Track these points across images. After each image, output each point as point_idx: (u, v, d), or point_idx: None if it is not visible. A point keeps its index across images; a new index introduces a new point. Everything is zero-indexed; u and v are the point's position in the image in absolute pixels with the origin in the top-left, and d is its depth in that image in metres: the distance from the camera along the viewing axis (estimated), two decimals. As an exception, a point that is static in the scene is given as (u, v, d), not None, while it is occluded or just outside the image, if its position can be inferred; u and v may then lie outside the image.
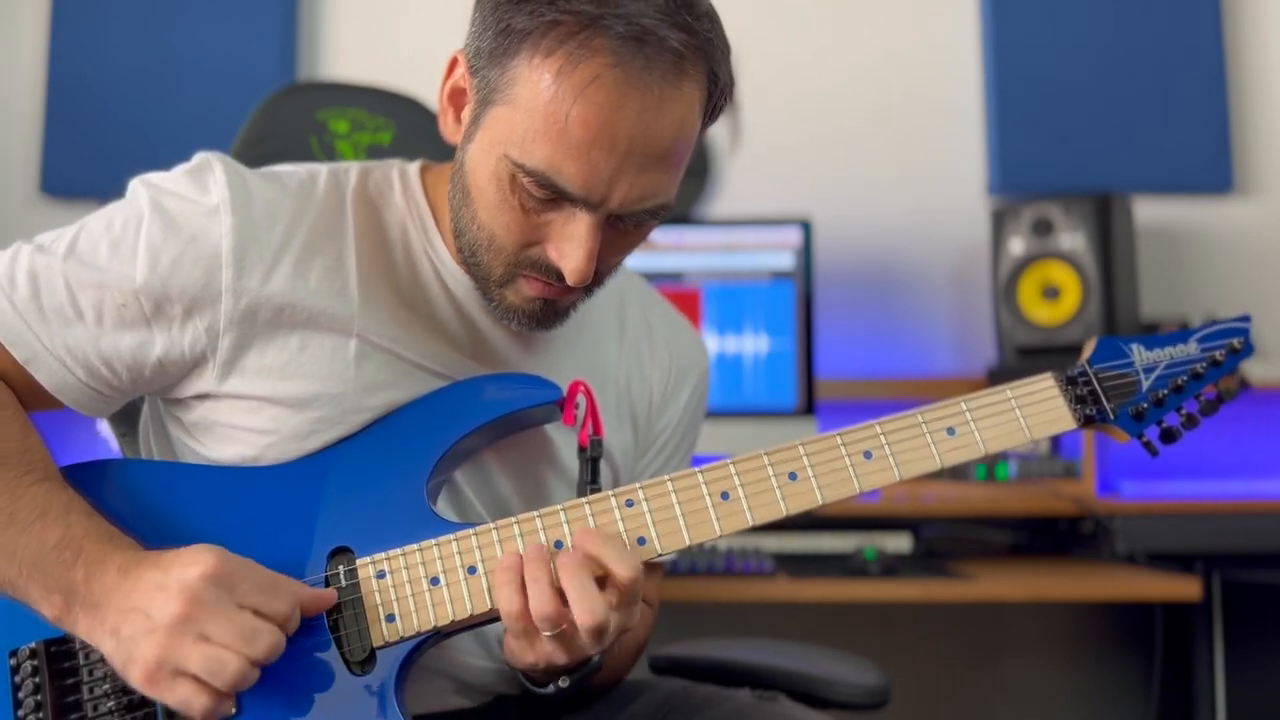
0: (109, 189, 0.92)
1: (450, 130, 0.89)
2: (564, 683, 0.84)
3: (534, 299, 0.87)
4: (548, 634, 0.77)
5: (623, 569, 0.77)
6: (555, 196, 0.80)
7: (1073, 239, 2.03)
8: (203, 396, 0.88)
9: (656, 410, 1.06)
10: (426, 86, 1.45)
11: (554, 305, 0.88)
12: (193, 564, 0.72)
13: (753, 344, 1.99)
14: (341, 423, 0.87)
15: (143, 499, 0.83)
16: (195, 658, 0.70)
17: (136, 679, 0.72)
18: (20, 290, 0.83)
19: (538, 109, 0.77)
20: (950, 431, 0.87)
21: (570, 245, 0.81)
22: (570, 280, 0.82)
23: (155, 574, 0.73)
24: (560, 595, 0.76)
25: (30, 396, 0.86)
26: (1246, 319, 0.93)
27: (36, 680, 0.77)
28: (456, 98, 0.88)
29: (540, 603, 0.76)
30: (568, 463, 0.97)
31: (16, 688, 0.78)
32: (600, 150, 0.77)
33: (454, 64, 0.87)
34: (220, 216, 0.85)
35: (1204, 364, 0.90)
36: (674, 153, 0.81)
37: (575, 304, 0.90)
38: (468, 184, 0.85)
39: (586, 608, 0.75)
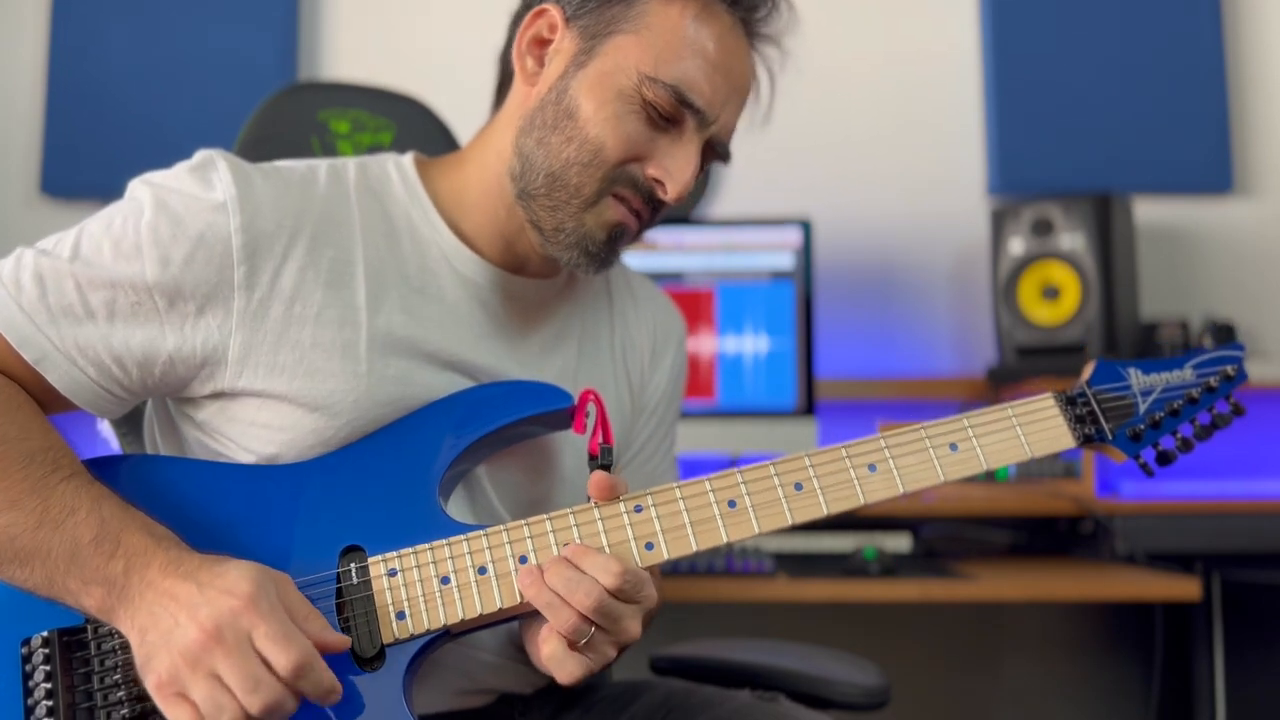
0: (109, 189, 0.92)
1: (529, 73, 0.96)
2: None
3: (613, 224, 0.93)
4: (583, 643, 0.79)
5: (606, 578, 0.79)
6: (677, 113, 0.91)
7: (1073, 239, 2.03)
8: (217, 395, 0.88)
9: (648, 373, 1.11)
10: (427, 86, 1.46)
11: (619, 240, 0.95)
12: (227, 594, 0.72)
13: (753, 344, 1.99)
14: (357, 417, 0.88)
15: (156, 494, 0.83)
16: (199, 692, 0.71)
17: (148, 685, 0.73)
18: (27, 292, 0.83)
19: (676, 35, 0.91)
20: (953, 447, 0.89)
21: (677, 162, 0.92)
22: (671, 191, 0.92)
23: (191, 589, 0.73)
24: (577, 613, 0.78)
25: (43, 400, 0.85)
26: (1240, 347, 0.96)
27: (48, 669, 0.77)
28: (539, 45, 0.96)
29: (562, 622, 0.78)
30: (582, 464, 0.97)
31: (27, 676, 0.78)
32: (721, 77, 0.92)
33: (539, 15, 0.95)
34: (228, 213, 0.85)
35: (1199, 389, 0.93)
36: (746, 104, 0.98)
37: (631, 242, 0.97)
38: (572, 106, 0.91)
39: (581, 592, 0.78)
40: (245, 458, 0.88)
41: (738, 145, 0.99)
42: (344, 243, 0.91)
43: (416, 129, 1.29)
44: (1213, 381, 0.93)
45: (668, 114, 0.91)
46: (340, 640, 0.76)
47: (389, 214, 0.95)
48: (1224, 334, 2.07)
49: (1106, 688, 2.19)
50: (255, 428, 0.88)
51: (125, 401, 0.88)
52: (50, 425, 0.84)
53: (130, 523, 0.77)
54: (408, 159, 1.00)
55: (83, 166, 2.27)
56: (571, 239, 0.93)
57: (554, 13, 0.94)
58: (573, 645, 0.79)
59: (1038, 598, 1.80)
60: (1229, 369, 0.94)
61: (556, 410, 0.91)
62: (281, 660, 0.71)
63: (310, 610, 0.76)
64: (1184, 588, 1.60)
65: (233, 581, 0.73)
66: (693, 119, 0.92)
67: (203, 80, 2.29)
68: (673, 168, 0.92)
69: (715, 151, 0.96)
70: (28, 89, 2.33)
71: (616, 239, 0.94)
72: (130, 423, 1.12)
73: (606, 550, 0.83)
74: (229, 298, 0.85)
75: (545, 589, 0.79)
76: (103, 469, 0.85)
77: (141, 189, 0.87)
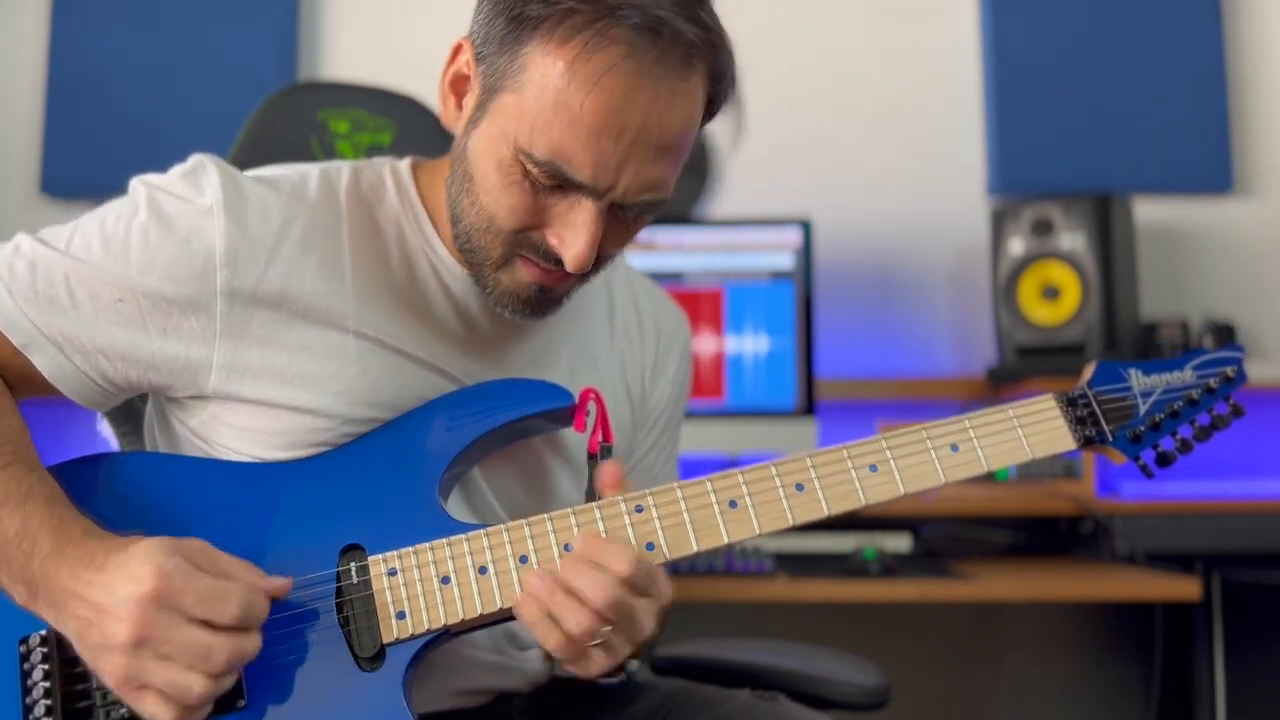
0: (109, 189, 0.92)
1: (451, 117, 0.89)
2: (634, 665, 0.87)
3: (529, 284, 0.87)
4: (594, 645, 0.78)
5: (620, 564, 0.78)
6: (562, 183, 0.81)
7: (1073, 239, 2.03)
8: (205, 399, 0.88)
9: (649, 383, 1.08)
10: (427, 86, 1.45)
11: (548, 292, 0.88)
12: (135, 580, 0.71)
13: (753, 344, 1.99)
14: (349, 420, 0.87)
15: (152, 493, 0.84)
16: (158, 678, 0.71)
17: (110, 685, 0.74)
18: (20, 278, 0.84)
19: (548, 96, 0.78)
20: (954, 448, 0.89)
21: (572, 232, 0.82)
22: (570, 267, 0.83)
23: (102, 584, 0.73)
24: (592, 611, 0.78)
25: (25, 384, 0.86)
26: (1240, 349, 0.96)
27: (45, 668, 0.78)
28: (459, 85, 0.88)
29: (576, 623, 0.77)
30: (581, 464, 0.97)
31: (26, 675, 0.78)
32: (609, 138, 0.78)
33: (458, 50, 0.87)
34: (214, 217, 0.85)
35: (1199, 390, 0.93)
36: (678, 145, 0.83)
37: (569, 291, 0.91)
38: (470, 169, 0.85)
39: (598, 589, 0.77)
40: (241, 461, 0.88)
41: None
42: (331, 249, 0.90)
43: (416, 129, 1.29)
44: (1213, 383, 0.93)
45: (552, 184, 0.81)
46: (280, 583, 0.77)
47: (378, 222, 0.93)
48: (1224, 334, 2.07)
49: (1106, 688, 2.19)
50: (249, 432, 0.87)
51: (110, 394, 0.88)
52: (6, 410, 0.83)
53: (50, 521, 0.76)
54: (405, 165, 0.98)
55: (83, 166, 2.27)
56: (494, 295, 0.88)
57: (468, 50, 0.86)
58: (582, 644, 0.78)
59: (1038, 598, 1.80)
60: (1229, 370, 0.94)
61: (556, 408, 0.91)
62: (224, 615, 0.72)
63: (235, 562, 0.76)
64: (1184, 588, 1.60)
65: (136, 567, 0.72)
66: (578, 190, 0.81)
67: (203, 80, 2.29)
68: (567, 237, 0.82)
69: (638, 206, 0.84)
70: (28, 89, 2.33)
71: (541, 293, 0.88)
72: (130, 422, 1.12)
73: None
74: (211, 302, 0.85)
75: (559, 592, 0.78)
76: (95, 467, 0.85)
77: (139, 189, 0.88)
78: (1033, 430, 0.90)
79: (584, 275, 0.88)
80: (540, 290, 0.88)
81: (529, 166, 0.80)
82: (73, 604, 0.74)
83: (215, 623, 0.72)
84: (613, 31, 0.76)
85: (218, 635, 0.72)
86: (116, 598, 0.72)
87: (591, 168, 0.79)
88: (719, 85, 0.85)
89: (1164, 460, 0.93)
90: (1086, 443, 0.91)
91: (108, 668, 0.73)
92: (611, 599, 0.77)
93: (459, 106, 0.88)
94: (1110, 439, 0.91)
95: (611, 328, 1.06)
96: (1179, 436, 0.93)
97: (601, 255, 0.86)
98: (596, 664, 0.80)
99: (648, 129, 0.79)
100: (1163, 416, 0.92)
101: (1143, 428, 0.92)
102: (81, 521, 0.78)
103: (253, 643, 0.74)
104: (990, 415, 0.90)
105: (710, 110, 0.87)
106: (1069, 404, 0.92)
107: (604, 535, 0.83)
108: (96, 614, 0.72)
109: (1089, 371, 0.94)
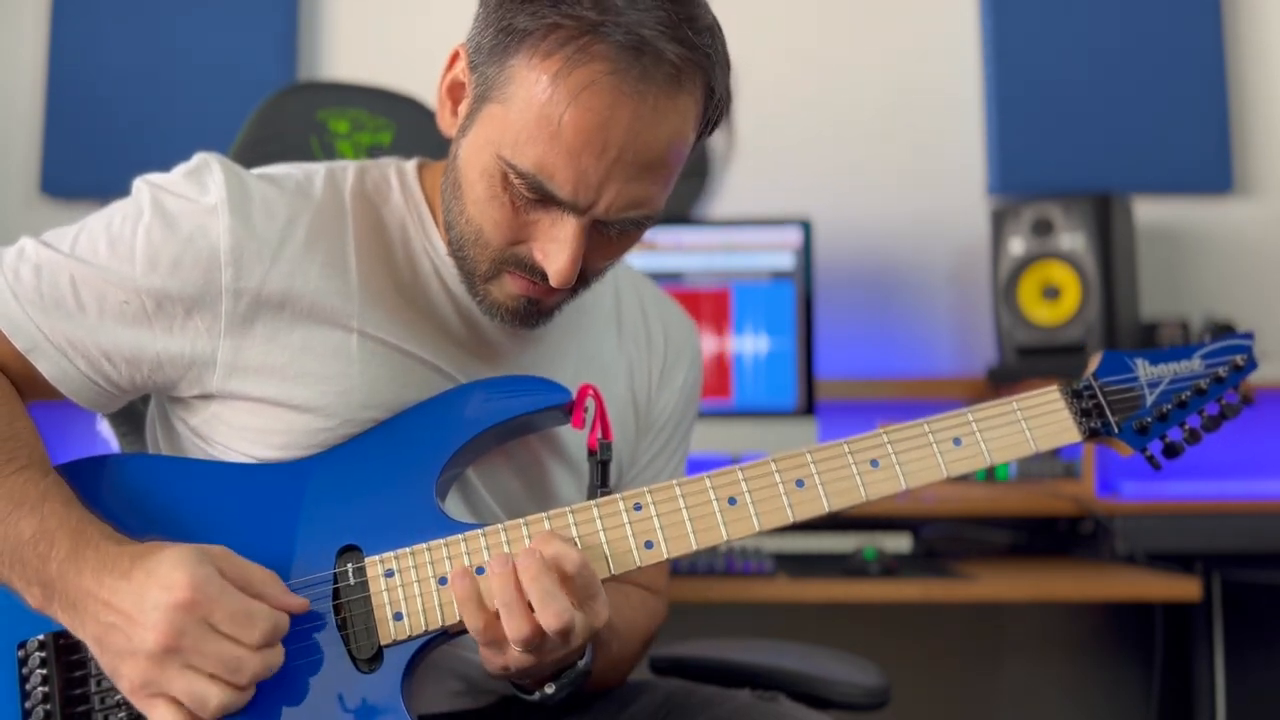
0: (109, 189, 0.93)
1: (447, 123, 0.89)
2: (550, 689, 0.85)
3: (518, 296, 0.87)
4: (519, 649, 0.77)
5: (568, 565, 0.78)
6: (543, 198, 0.80)
7: (1073, 239, 2.03)
8: (208, 397, 0.88)
9: (655, 392, 1.07)
10: (427, 86, 1.46)
11: (538, 304, 0.88)
12: (167, 588, 0.72)
13: (753, 344, 1.99)
14: (349, 420, 0.87)
15: (152, 494, 0.84)
16: (179, 686, 0.72)
17: (123, 690, 0.74)
18: (25, 282, 0.84)
19: (532, 110, 0.78)
20: (956, 441, 0.87)
21: (555, 247, 0.82)
22: (553, 282, 0.83)
23: (129, 591, 0.73)
24: (532, 614, 0.76)
25: (29, 386, 0.86)
26: (1250, 335, 0.94)
27: (44, 672, 0.78)
28: (455, 91, 0.88)
29: (516, 626, 0.76)
30: (578, 462, 0.97)
31: (24, 679, 0.78)
32: (590, 155, 0.78)
33: (455, 57, 0.87)
34: (218, 215, 0.85)
35: (1208, 380, 0.91)
36: (665, 163, 0.81)
37: (559, 304, 0.91)
38: (459, 178, 0.86)
39: (552, 611, 0.75)
40: (240, 461, 0.88)
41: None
42: (336, 248, 0.90)
43: (416, 129, 1.29)
44: (1222, 371, 0.91)
45: (534, 198, 0.81)
46: (299, 603, 0.77)
47: (383, 222, 0.93)
48: (1223, 334, 2.08)
49: (1106, 688, 2.19)
50: (249, 431, 0.88)
51: (114, 396, 0.89)
52: (20, 415, 0.84)
53: (68, 523, 0.77)
54: (411, 165, 0.98)
55: (83, 166, 2.27)
56: (484, 305, 0.89)
57: (464, 57, 0.86)
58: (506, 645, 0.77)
59: (1038, 598, 1.80)
60: (1238, 359, 0.92)
61: (554, 405, 0.90)
62: (251, 637, 0.73)
63: (260, 574, 0.77)
64: (1184, 588, 1.60)
65: (167, 574, 0.72)
66: (559, 205, 0.81)
67: (202, 80, 2.29)
68: (551, 252, 0.82)
69: (623, 224, 0.83)
70: (28, 89, 2.33)
71: (530, 305, 0.88)
72: (130, 423, 1.12)
73: (605, 547, 0.82)
74: (216, 301, 0.85)
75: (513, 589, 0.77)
76: (96, 468, 0.85)
77: (143, 189, 0.88)
78: (1037, 422, 0.89)
79: (573, 289, 0.88)
80: (529, 302, 0.88)
81: (513, 178, 0.80)
82: (95, 608, 0.74)
83: (242, 642, 0.73)
84: (596, 47, 0.76)
85: (246, 650, 0.73)
86: (145, 605, 0.72)
87: (573, 185, 0.79)
88: (712, 101, 0.83)
89: (1171, 451, 0.91)
90: (1092, 434, 0.89)
91: (127, 672, 0.73)
92: (565, 624, 0.75)
93: (454, 113, 0.88)
94: (1116, 430, 0.89)
95: (619, 333, 1.06)
96: (1187, 427, 0.91)
97: (589, 270, 0.86)
98: (511, 659, 0.78)
99: (630, 147, 0.78)
100: (1170, 407, 0.90)
101: (1149, 419, 0.90)
102: (99, 525, 0.78)
103: (277, 656, 0.75)
104: (993, 408, 0.89)
105: (707, 127, 0.86)
106: (1074, 395, 0.90)
107: (601, 537, 0.82)
108: (124, 620, 0.72)
109: (1094, 362, 0.92)
